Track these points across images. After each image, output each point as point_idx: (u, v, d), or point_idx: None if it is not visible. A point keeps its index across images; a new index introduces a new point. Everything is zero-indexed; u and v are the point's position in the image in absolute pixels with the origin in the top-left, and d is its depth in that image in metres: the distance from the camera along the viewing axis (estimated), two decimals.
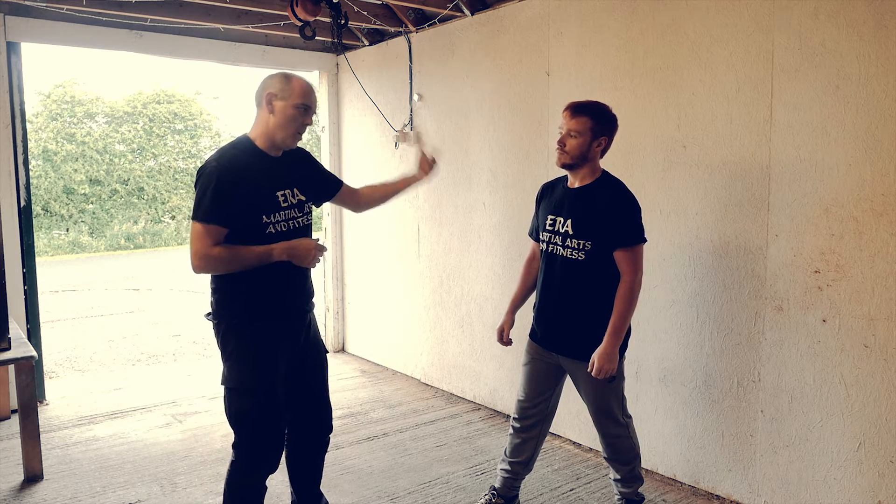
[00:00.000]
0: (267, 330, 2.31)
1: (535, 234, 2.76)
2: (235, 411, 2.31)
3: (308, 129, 2.35)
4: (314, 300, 2.55)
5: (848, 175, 2.49)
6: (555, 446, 3.66)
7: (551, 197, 2.67)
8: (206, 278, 2.36)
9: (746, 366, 2.86)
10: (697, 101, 2.96)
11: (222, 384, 2.35)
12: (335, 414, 4.19)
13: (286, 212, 2.32)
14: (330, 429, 2.62)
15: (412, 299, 4.87)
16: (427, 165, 2.78)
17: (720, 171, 2.90)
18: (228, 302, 2.31)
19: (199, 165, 2.25)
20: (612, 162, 3.31)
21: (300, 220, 2.38)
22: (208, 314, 2.38)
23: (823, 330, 2.61)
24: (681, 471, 3.16)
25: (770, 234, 2.74)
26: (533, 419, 2.72)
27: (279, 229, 2.29)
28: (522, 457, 2.77)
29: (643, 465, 3.31)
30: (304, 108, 2.27)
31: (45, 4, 3.96)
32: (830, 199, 2.55)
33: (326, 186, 2.60)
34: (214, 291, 2.34)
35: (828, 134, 2.54)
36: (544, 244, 2.63)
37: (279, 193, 2.30)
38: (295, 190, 2.37)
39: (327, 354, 2.63)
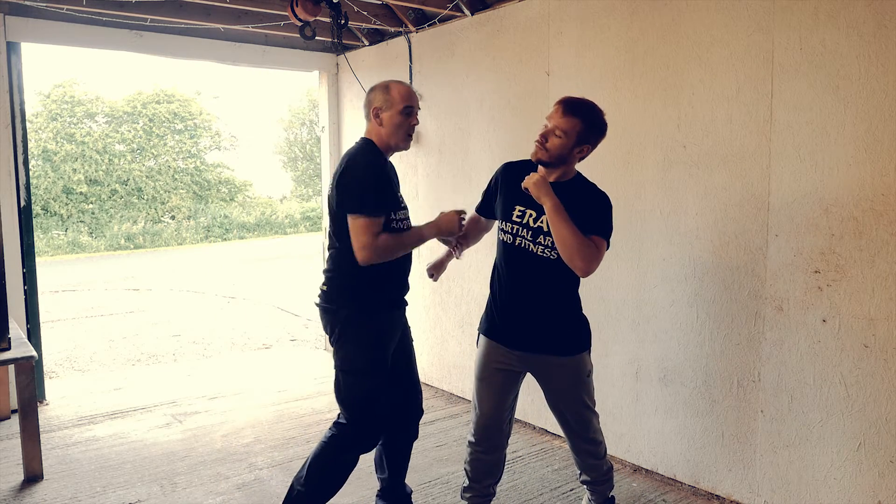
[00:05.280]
0: (385, 318, 2.50)
1: (483, 209, 2.65)
2: (353, 393, 2.47)
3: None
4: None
5: (848, 175, 2.49)
6: (555, 446, 3.66)
7: (518, 185, 2.40)
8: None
9: (746, 366, 2.86)
10: (697, 101, 2.96)
11: (337, 367, 2.49)
12: (335, 414, 4.18)
13: (402, 211, 2.54)
14: (421, 412, 2.80)
15: (412, 299, 4.86)
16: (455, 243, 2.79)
17: (720, 171, 2.90)
18: (353, 290, 2.45)
19: (341, 163, 2.43)
20: (612, 162, 3.32)
21: (408, 221, 2.58)
22: (320, 300, 2.52)
23: (823, 330, 2.61)
24: (681, 471, 3.16)
25: (770, 234, 2.74)
26: (501, 433, 2.53)
27: (400, 227, 2.50)
28: (496, 474, 2.59)
29: (643, 464, 3.32)
30: (408, 111, 2.45)
31: (45, 4, 3.96)
32: (830, 199, 2.55)
33: None
34: (333, 279, 2.49)
35: (828, 134, 2.54)
36: (508, 236, 2.43)
37: (399, 194, 2.54)
38: (401, 194, 2.60)
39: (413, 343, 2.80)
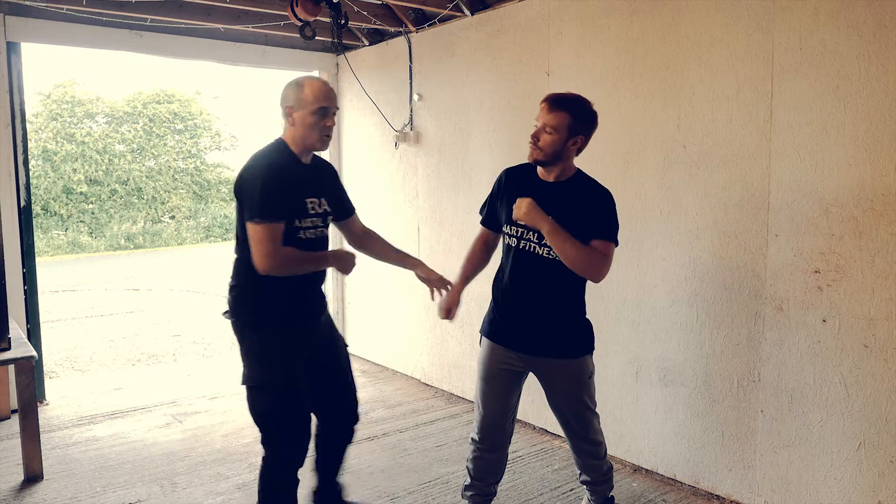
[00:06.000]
0: (283, 329, 2.36)
1: (489, 220, 2.60)
2: (258, 409, 2.36)
3: None
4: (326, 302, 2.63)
5: (848, 175, 2.49)
6: (555, 446, 3.66)
7: (521, 188, 2.43)
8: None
9: (746, 366, 2.86)
10: (697, 101, 2.96)
11: (243, 384, 2.37)
12: None
13: (312, 219, 2.38)
14: (355, 419, 2.68)
15: (412, 299, 4.87)
16: (437, 287, 2.63)
17: (720, 171, 2.90)
18: (247, 300, 2.35)
19: (244, 166, 2.31)
20: (612, 162, 3.32)
21: (322, 229, 2.45)
22: (226, 312, 2.42)
23: (823, 330, 2.61)
24: (681, 471, 3.16)
25: (770, 234, 2.74)
26: (504, 432, 2.55)
27: (308, 235, 2.36)
28: (498, 473, 2.60)
29: (643, 464, 3.32)
30: (322, 112, 2.31)
31: (45, 4, 3.96)
32: (830, 199, 2.55)
33: (341, 208, 2.63)
34: (233, 289, 2.38)
35: (828, 134, 2.54)
36: (513, 239, 2.43)
37: (308, 200, 2.36)
38: (322, 200, 2.44)
39: (347, 348, 2.68)
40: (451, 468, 3.38)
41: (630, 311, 3.33)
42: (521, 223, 2.38)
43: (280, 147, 2.35)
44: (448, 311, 2.57)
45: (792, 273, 2.69)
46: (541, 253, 2.37)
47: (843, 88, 2.48)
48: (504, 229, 2.50)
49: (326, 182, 2.52)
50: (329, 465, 2.71)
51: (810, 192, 2.60)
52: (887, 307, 2.42)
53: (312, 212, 2.37)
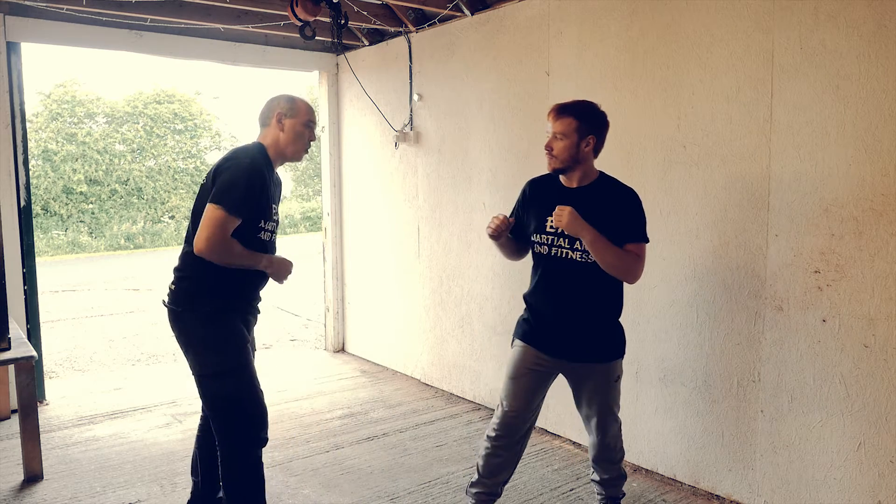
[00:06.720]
0: (233, 321, 2.44)
1: (515, 232, 2.60)
2: (223, 394, 2.40)
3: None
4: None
5: (848, 175, 2.49)
6: (555, 446, 3.66)
7: (546, 197, 2.50)
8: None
9: (746, 366, 2.86)
10: (697, 101, 2.96)
11: (198, 374, 2.41)
12: (335, 414, 4.20)
13: (271, 223, 2.49)
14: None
15: (412, 299, 4.87)
16: None
17: (720, 171, 2.90)
18: (202, 294, 2.40)
19: (227, 156, 2.39)
20: (612, 162, 3.31)
21: (275, 234, 2.57)
22: (172, 302, 2.43)
23: (823, 330, 2.61)
24: (681, 471, 3.16)
25: (770, 234, 2.74)
26: (522, 432, 2.55)
27: (265, 237, 2.47)
28: (507, 474, 2.59)
29: (643, 464, 3.32)
30: (310, 125, 2.51)
31: (45, 4, 3.96)
32: (830, 199, 2.55)
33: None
34: (182, 280, 2.42)
35: (828, 134, 2.54)
36: (544, 247, 2.48)
37: (272, 205, 2.50)
38: (278, 208, 2.58)
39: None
40: (451, 468, 3.38)
41: (630, 311, 3.32)
42: (558, 230, 2.41)
43: (262, 150, 2.46)
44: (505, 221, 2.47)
45: (792, 273, 2.69)
46: (574, 258, 2.41)
47: (843, 88, 2.48)
48: (533, 238, 2.52)
49: (279, 194, 2.65)
50: (209, 464, 2.66)
51: (810, 192, 2.60)
52: (887, 307, 2.42)
53: (274, 216, 2.51)
